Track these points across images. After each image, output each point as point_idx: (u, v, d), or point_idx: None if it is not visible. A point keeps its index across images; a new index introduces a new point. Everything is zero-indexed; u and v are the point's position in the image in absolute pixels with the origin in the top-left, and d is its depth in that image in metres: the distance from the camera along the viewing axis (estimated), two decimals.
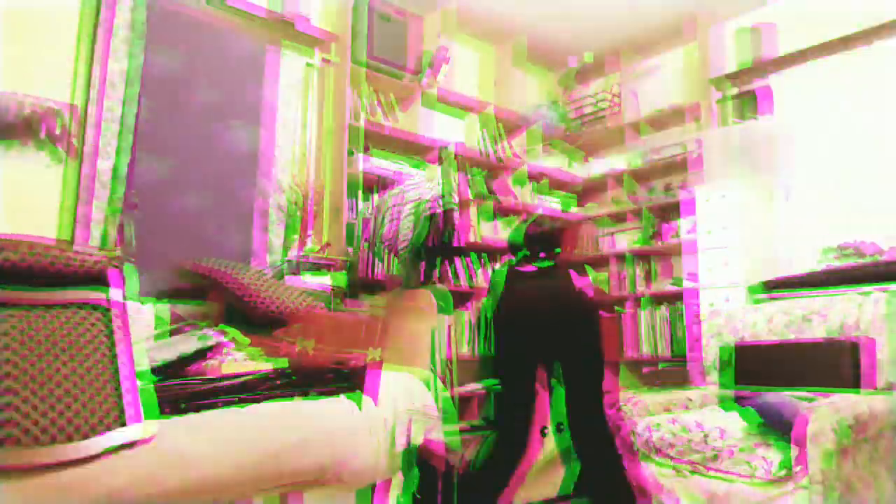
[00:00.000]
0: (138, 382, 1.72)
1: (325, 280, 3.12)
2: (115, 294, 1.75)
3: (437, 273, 3.28)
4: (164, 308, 2.94)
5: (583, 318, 2.48)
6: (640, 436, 2.41)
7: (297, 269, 3.13)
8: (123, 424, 1.55)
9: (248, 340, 2.30)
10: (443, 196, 2.99)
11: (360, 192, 3.65)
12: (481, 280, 4.03)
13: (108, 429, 1.53)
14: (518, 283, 2.67)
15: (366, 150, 3.65)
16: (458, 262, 3.97)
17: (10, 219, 2.66)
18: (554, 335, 2.46)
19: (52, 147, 2.79)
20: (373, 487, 2.22)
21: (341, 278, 3.15)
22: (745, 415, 2.18)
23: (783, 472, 2.03)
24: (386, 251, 3.00)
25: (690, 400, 2.74)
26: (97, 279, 1.74)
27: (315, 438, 1.90)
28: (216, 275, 2.58)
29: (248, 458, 1.73)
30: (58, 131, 2.75)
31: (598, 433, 2.43)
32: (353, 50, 3.59)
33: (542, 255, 2.67)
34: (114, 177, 2.91)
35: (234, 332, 2.36)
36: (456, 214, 3.09)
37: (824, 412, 2.00)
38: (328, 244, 3.32)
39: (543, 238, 2.74)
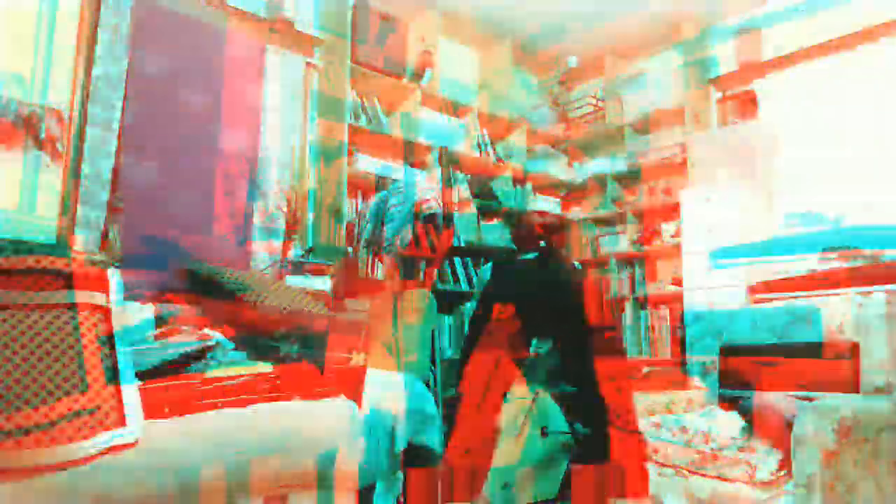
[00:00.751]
0: (137, 382, 1.73)
1: (316, 282, 3.13)
2: (113, 295, 1.76)
3: (435, 273, 3.29)
4: (161, 309, 2.95)
5: (572, 290, 2.51)
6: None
7: (291, 271, 3.14)
8: (124, 425, 1.56)
9: (243, 342, 2.31)
10: (441, 197, 3.00)
11: (358, 193, 3.67)
12: (477, 280, 4.05)
13: (108, 429, 1.54)
14: (505, 272, 2.69)
15: (362, 151, 3.66)
16: (455, 262, 3.99)
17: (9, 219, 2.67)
18: (542, 306, 2.49)
19: (43, 150, 2.80)
20: (369, 489, 2.23)
21: (326, 281, 3.16)
22: (744, 415, 2.19)
23: (782, 473, 2.04)
24: (385, 251, 3.01)
25: (691, 401, 2.76)
26: (95, 281, 1.75)
27: (299, 444, 1.91)
28: (216, 276, 2.58)
29: (233, 464, 1.73)
30: (43, 135, 2.77)
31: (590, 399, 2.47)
32: (352, 50, 3.60)
33: (528, 249, 2.69)
34: (107, 180, 2.93)
35: (231, 333, 2.37)
36: (455, 215, 3.10)
37: (816, 413, 2.01)
38: (312, 248, 3.34)
39: (530, 234, 2.75)
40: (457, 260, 3.96)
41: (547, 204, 4.59)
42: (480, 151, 4.25)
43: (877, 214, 3.16)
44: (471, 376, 2.62)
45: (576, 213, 4.76)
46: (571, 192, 4.84)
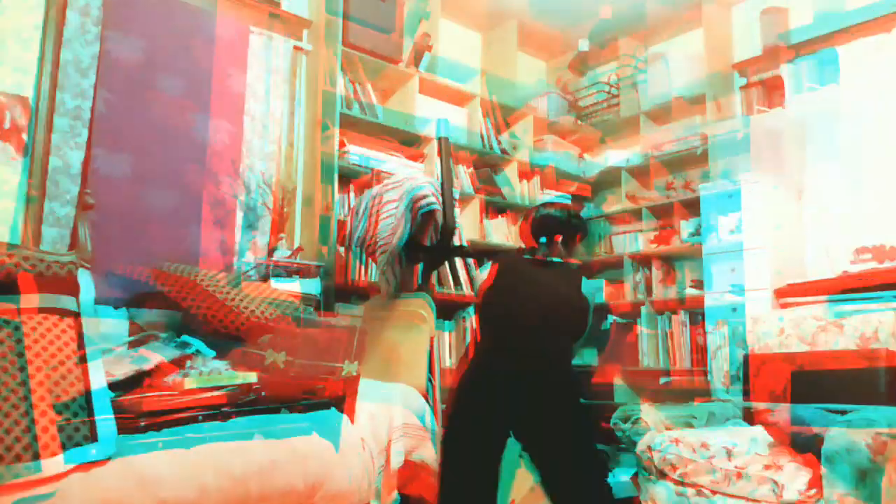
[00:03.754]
0: (109, 395, 1.73)
1: (296, 286, 3.12)
2: (85, 300, 1.76)
3: (435, 276, 3.29)
4: (136, 314, 2.95)
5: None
6: (657, 452, 2.42)
7: (277, 272, 3.14)
8: (95, 440, 1.56)
9: (215, 353, 2.30)
10: (441, 191, 3.00)
11: (350, 188, 3.67)
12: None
13: (78, 445, 1.54)
14: (516, 267, 2.63)
15: (355, 142, 3.66)
16: (457, 263, 3.98)
17: None
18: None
19: (7, 141, 2.80)
20: None
21: (315, 284, 3.16)
22: (768, 430, 2.19)
23: (812, 493, 2.04)
24: (379, 252, 3.01)
25: (713, 414, 2.76)
26: (67, 284, 1.75)
27: (286, 460, 1.91)
28: (172, 283, 2.57)
29: (213, 481, 1.73)
30: (6, 125, 2.77)
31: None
32: (344, 33, 3.60)
33: (548, 243, 2.64)
34: (76, 173, 2.92)
35: (200, 344, 2.36)
36: (456, 211, 3.10)
37: (849, 427, 2.01)
38: (300, 248, 3.33)
39: (549, 225, 2.70)
40: (457, 261, 3.96)
41: (562, 199, 4.60)
42: (483, 143, 4.25)
43: None
44: None
45: (587, 209, 4.76)
46: (588, 185, 4.84)
